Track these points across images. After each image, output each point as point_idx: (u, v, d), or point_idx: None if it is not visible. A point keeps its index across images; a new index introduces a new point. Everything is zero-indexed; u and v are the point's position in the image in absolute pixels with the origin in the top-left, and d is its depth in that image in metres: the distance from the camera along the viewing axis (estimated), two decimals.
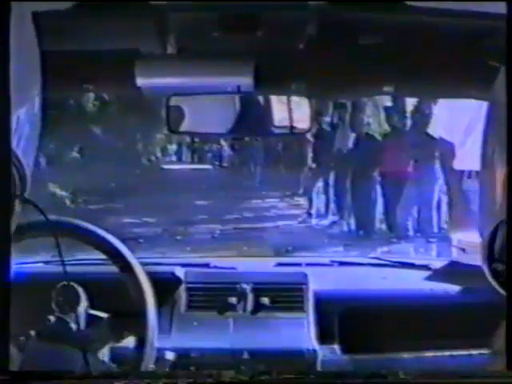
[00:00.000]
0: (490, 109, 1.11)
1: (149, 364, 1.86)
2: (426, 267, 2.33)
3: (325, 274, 2.30)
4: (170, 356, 2.01)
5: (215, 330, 2.09)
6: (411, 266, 2.36)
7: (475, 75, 1.51)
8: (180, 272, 2.23)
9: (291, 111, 1.82)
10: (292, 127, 1.87)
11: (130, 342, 1.91)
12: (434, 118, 6.57)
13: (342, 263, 2.40)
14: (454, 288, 2.20)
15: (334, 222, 9.72)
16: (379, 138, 9.31)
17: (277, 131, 1.99)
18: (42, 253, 2.19)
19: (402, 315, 2.11)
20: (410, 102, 8.69)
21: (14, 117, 1.16)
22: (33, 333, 1.85)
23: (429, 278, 2.28)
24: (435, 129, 6.56)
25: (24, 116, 1.27)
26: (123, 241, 1.91)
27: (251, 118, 1.83)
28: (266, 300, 2.13)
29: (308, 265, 2.33)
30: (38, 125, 1.37)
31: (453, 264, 2.38)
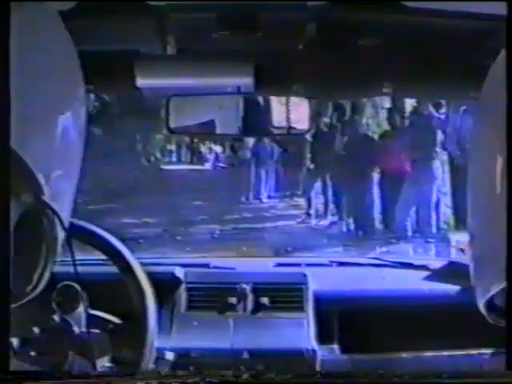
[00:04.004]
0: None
1: (149, 364, 1.86)
2: (424, 267, 2.33)
3: (324, 274, 2.31)
4: (169, 356, 2.01)
5: (215, 329, 2.09)
6: (410, 266, 2.37)
7: (475, 76, 1.52)
8: (180, 272, 2.23)
9: (290, 112, 1.82)
10: (291, 128, 1.87)
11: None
12: None
13: (341, 263, 2.40)
14: (453, 288, 2.20)
15: (333, 223, 9.73)
16: (378, 138, 9.32)
17: (276, 132, 1.99)
18: None
19: (402, 315, 2.11)
20: (409, 103, 8.70)
21: None
22: (33, 333, 1.85)
23: (428, 278, 2.28)
24: None
25: None
26: (123, 241, 1.91)
27: (250, 119, 1.83)
28: (265, 300, 2.14)
29: (307, 265, 2.34)
30: None
31: (452, 264, 2.38)
